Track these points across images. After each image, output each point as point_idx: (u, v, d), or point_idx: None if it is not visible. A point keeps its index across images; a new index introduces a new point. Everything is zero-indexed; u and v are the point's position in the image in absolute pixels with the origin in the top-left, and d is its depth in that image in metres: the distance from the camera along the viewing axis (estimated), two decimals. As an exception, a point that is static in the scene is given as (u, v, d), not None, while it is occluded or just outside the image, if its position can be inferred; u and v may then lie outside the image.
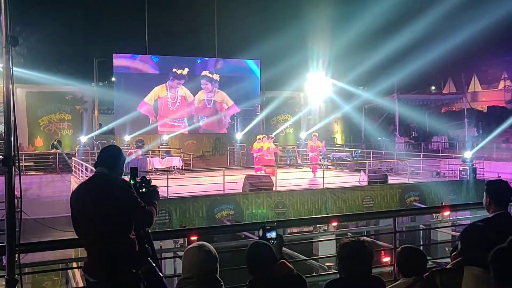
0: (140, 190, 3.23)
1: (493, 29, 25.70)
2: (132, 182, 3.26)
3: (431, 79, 41.50)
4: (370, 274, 2.76)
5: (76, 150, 20.24)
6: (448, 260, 3.26)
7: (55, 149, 20.98)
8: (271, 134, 18.74)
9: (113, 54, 22.01)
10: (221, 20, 24.91)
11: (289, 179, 14.29)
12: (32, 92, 22.47)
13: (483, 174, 16.00)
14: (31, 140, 22.02)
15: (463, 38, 25.20)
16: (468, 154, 16.39)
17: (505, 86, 37.46)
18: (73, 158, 18.69)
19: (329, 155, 20.72)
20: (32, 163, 19.82)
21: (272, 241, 3.00)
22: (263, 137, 16.89)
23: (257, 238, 3.13)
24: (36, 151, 21.50)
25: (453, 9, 24.76)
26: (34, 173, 19.24)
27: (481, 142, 23.79)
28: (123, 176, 3.31)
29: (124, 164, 3.41)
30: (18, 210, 2.98)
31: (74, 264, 6.80)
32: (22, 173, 17.72)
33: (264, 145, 16.38)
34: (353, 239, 2.92)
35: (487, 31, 24.95)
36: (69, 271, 7.69)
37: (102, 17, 30.71)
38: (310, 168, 17.89)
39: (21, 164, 19.29)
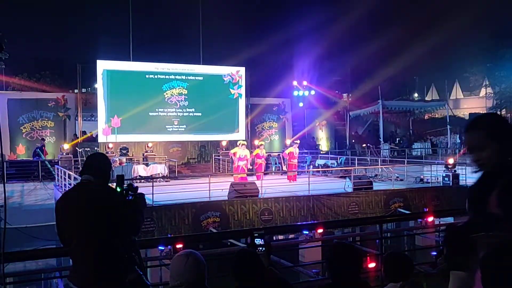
0: (127, 198, 3.21)
1: (475, 37, 26.22)
2: (118, 189, 3.23)
3: (414, 86, 42.10)
4: (359, 277, 2.77)
5: (58, 158, 19.98)
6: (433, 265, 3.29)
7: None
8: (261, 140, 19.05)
9: (97, 60, 21.84)
10: (206, 27, 24.98)
11: (275, 186, 14.33)
12: (13, 99, 22.16)
13: (465, 180, 16.22)
14: (12, 147, 21.67)
15: (445, 46, 25.64)
16: (451, 160, 16.61)
17: (486, 93, 38.16)
18: (55, 166, 18.44)
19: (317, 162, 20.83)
20: (14, 171, 19.48)
21: (261, 248, 3.00)
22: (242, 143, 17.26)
23: (243, 245, 3.13)
24: (18, 159, 21.17)
25: (435, 17, 25.19)
26: (15, 181, 18.90)
27: (463, 148, 24.15)
28: (109, 184, 3.28)
29: (110, 172, 3.38)
30: (1, 219, 2.93)
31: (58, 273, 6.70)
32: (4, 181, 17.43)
33: (255, 151, 16.77)
34: (343, 241, 2.95)
35: (469, 38, 25.43)
36: (53, 280, 7.57)
37: (85, 23, 30.52)
38: (289, 177, 17.88)
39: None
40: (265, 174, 17.52)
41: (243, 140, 17.82)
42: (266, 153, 19.02)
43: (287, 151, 18.65)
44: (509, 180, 2.06)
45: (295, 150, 18.38)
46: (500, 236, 1.99)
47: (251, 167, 17.68)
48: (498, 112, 33.68)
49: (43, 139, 21.88)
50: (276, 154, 22.87)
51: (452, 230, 2.28)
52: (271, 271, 2.88)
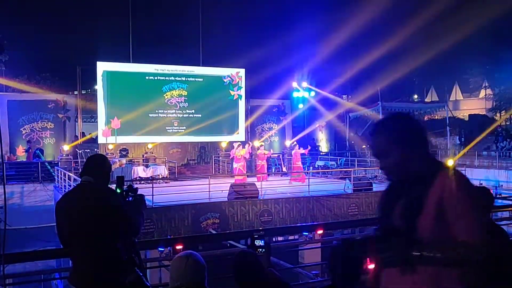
0: (127, 199, 3.21)
1: (474, 38, 26.25)
2: (118, 191, 3.24)
3: (414, 88, 42.14)
4: (359, 278, 2.77)
5: (58, 159, 19.97)
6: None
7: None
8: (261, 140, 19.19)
9: (97, 61, 21.85)
10: (206, 28, 25.00)
11: (275, 187, 14.33)
12: (13, 100, 22.16)
13: (465, 181, 16.19)
14: (12, 149, 21.66)
15: (445, 47, 25.66)
16: (450, 162, 16.61)
17: (486, 95, 38.18)
18: (55, 167, 18.44)
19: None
20: (13, 172, 19.48)
21: (261, 250, 3.00)
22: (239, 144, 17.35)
23: (243, 246, 3.14)
24: (18, 160, 21.16)
25: (435, 19, 25.22)
26: (15, 182, 18.90)
27: (463, 149, 24.18)
28: (109, 185, 3.29)
29: (110, 173, 3.39)
30: (1, 220, 2.93)
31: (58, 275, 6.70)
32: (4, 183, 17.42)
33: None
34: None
35: (469, 40, 25.46)
36: (53, 281, 7.56)
37: (85, 24, 30.53)
38: (298, 178, 17.83)
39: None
40: (268, 175, 17.61)
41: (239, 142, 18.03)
42: (267, 153, 19.01)
43: (295, 151, 18.69)
44: (415, 190, 1.88)
45: (299, 151, 18.50)
46: (397, 252, 1.81)
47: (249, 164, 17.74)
48: (498, 114, 33.76)
49: (29, 141, 21.62)
50: (276, 155, 22.88)
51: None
52: (271, 272, 2.88)
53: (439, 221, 1.80)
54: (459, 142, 28.48)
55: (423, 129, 1.99)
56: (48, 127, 22.71)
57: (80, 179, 3.30)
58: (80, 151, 20.51)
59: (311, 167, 21.30)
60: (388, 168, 1.96)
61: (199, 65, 24.01)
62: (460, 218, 1.78)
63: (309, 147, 20.49)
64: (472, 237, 1.75)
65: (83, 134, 23.17)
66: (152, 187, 12.52)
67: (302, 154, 18.94)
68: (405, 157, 1.91)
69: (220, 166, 22.09)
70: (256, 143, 20.75)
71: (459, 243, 1.76)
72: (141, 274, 3.16)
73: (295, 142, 19.59)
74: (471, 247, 1.74)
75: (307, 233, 10.23)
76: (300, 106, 28.28)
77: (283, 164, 22.25)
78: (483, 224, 1.81)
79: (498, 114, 33.91)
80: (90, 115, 24.05)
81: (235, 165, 16.95)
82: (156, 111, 22.46)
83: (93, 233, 3.02)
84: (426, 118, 34.66)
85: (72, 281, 3.10)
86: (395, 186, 2.01)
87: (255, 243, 3.05)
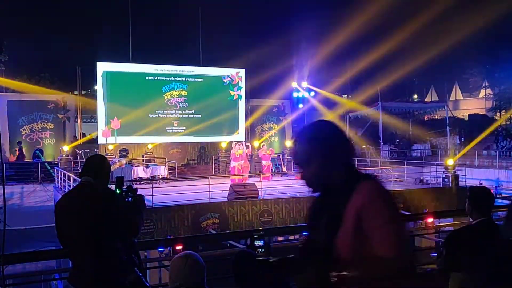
0: (126, 199, 3.21)
1: (474, 38, 26.26)
2: (118, 191, 3.24)
3: (414, 88, 42.16)
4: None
5: (58, 160, 19.97)
6: (433, 266, 3.30)
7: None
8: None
9: (96, 62, 21.85)
10: (205, 28, 25.01)
11: (275, 187, 14.33)
12: (13, 100, 22.15)
13: (465, 181, 16.21)
14: (12, 149, 21.66)
15: (444, 47, 25.67)
16: (450, 162, 16.61)
17: (485, 95, 38.19)
18: (55, 167, 18.44)
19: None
20: (13, 173, 19.48)
21: (260, 250, 3.00)
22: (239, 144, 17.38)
23: (243, 247, 3.13)
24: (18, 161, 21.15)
25: (435, 19, 25.22)
26: (15, 183, 18.90)
27: (463, 149, 24.18)
28: (108, 186, 3.28)
29: (110, 173, 3.39)
30: (1, 220, 2.93)
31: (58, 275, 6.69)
32: (4, 183, 17.41)
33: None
34: None
35: (468, 40, 25.46)
36: (53, 281, 7.56)
37: (85, 25, 30.54)
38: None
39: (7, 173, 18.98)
40: (273, 175, 17.64)
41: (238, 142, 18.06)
42: (270, 152, 18.96)
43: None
44: (335, 203, 1.76)
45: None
46: (314, 272, 1.68)
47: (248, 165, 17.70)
48: (498, 114, 33.77)
49: (19, 142, 21.44)
50: (276, 155, 22.87)
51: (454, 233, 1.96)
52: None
53: (358, 236, 1.67)
54: (459, 142, 28.48)
55: (345, 138, 1.86)
56: (48, 128, 22.70)
57: (79, 180, 3.30)
58: (80, 152, 20.52)
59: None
60: (308, 178, 1.84)
61: (199, 65, 24.03)
62: (376, 232, 1.65)
63: None
64: (387, 252, 1.62)
65: (83, 135, 23.18)
66: (152, 188, 12.51)
67: None
68: (325, 167, 1.78)
69: (220, 166, 22.09)
70: (256, 143, 20.75)
71: (375, 259, 1.63)
72: (140, 274, 3.16)
73: None
74: (384, 263, 1.61)
75: (307, 233, 10.22)
76: (300, 106, 28.27)
77: (283, 164, 22.25)
78: (400, 238, 1.66)
79: (498, 114, 33.93)
80: (90, 116, 24.05)
81: (233, 163, 16.92)
82: (156, 111, 22.46)
83: (92, 233, 3.02)
84: (426, 118, 34.69)
85: (72, 281, 3.10)
86: (321, 197, 1.89)
87: (255, 243, 3.05)
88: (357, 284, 1.63)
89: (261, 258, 2.01)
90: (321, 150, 1.78)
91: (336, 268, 1.65)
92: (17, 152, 20.73)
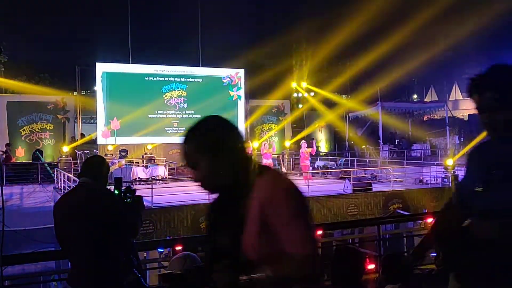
0: (125, 200, 3.21)
1: (473, 38, 26.28)
2: (116, 192, 3.23)
3: (413, 88, 42.18)
4: (359, 281, 2.78)
5: (58, 160, 19.95)
6: (432, 266, 3.29)
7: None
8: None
9: (96, 62, 21.85)
10: (205, 29, 25.01)
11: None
12: (13, 101, 22.13)
13: (465, 181, 16.20)
14: (12, 150, 21.64)
15: (444, 47, 25.68)
16: (450, 162, 16.62)
17: (485, 95, 38.13)
18: (55, 168, 18.43)
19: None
20: (13, 174, 19.46)
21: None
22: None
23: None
24: (17, 161, 21.14)
25: (434, 18, 25.23)
26: (14, 183, 18.88)
27: (463, 149, 24.17)
28: (107, 186, 3.28)
29: (109, 174, 3.38)
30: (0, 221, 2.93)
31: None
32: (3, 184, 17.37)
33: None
34: (349, 245, 2.99)
35: (468, 39, 25.48)
36: (53, 282, 7.56)
37: (84, 25, 30.53)
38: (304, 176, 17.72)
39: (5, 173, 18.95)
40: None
41: None
42: (271, 149, 18.92)
43: (306, 151, 18.54)
44: (235, 203, 1.65)
45: (306, 150, 18.30)
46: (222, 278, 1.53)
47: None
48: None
49: (8, 144, 21.10)
50: (276, 155, 22.86)
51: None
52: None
53: (264, 234, 1.56)
54: (458, 142, 28.47)
55: (234, 131, 1.75)
56: (48, 128, 22.69)
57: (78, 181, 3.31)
58: (80, 152, 20.50)
59: (310, 167, 21.29)
60: (201, 179, 1.72)
61: (199, 66, 24.03)
62: (283, 228, 1.54)
63: (314, 147, 20.36)
64: (297, 248, 1.52)
65: (83, 135, 23.17)
66: (152, 188, 12.51)
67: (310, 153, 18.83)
68: (216, 164, 1.67)
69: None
70: (256, 144, 20.75)
71: (285, 257, 1.53)
72: (139, 275, 3.15)
73: (303, 141, 19.48)
74: (295, 260, 1.51)
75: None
76: (300, 106, 28.27)
77: (283, 164, 22.25)
78: (309, 233, 1.57)
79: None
80: (90, 116, 24.04)
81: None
82: (156, 112, 22.47)
83: (90, 234, 3.02)
84: (425, 118, 34.68)
85: (71, 282, 3.10)
86: (220, 198, 1.79)
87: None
88: (270, 285, 1.53)
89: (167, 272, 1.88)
90: (209, 146, 1.67)
91: (245, 271, 1.54)
92: (4, 155, 20.39)
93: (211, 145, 1.67)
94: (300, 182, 17.14)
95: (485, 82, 1.95)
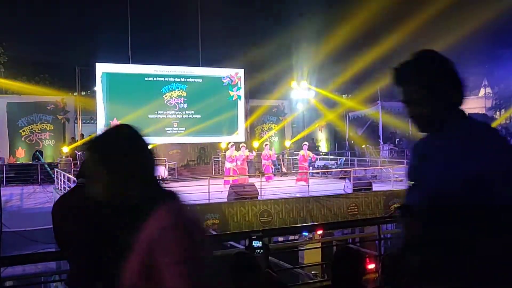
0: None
1: (473, 36, 26.23)
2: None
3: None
4: (359, 281, 2.77)
5: (58, 161, 19.96)
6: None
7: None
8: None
9: (96, 63, 21.86)
10: (204, 29, 24.99)
11: (275, 188, 14.33)
12: (12, 102, 22.15)
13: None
14: (12, 151, 21.66)
15: (444, 46, 25.63)
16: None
17: (485, 94, 38.16)
18: (55, 169, 18.43)
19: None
20: (13, 174, 19.47)
21: (258, 251, 2.99)
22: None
23: (243, 247, 3.12)
24: (18, 162, 21.17)
25: (434, 16, 25.22)
26: (14, 184, 18.89)
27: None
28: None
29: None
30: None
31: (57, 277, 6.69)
32: (2, 184, 17.42)
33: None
34: (350, 245, 2.99)
35: (468, 38, 25.44)
36: (53, 283, 7.56)
37: (84, 25, 30.51)
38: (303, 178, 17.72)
39: (1, 175, 18.97)
40: (272, 175, 17.61)
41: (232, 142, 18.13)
42: (272, 154, 18.91)
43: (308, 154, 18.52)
44: (129, 232, 1.45)
45: (306, 152, 18.37)
46: None
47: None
48: (497, 113, 33.76)
49: None
50: (276, 156, 22.87)
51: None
52: (268, 273, 2.87)
53: (147, 269, 1.40)
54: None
55: (142, 147, 1.58)
56: (48, 129, 22.70)
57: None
58: (80, 153, 20.49)
59: (311, 167, 21.30)
60: (97, 195, 1.51)
61: (198, 66, 24.03)
62: (167, 269, 1.37)
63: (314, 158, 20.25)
64: None
65: (83, 136, 23.17)
66: (152, 188, 12.48)
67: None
68: (113, 183, 1.48)
69: (220, 167, 22.09)
70: (256, 144, 20.75)
71: None
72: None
73: (306, 143, 19.53)
74: None
75: (307, 233, 10.24)
76: (300, 106, 28.27)
77: (283, 164, 22.25)
78: (194, 280, 1.37)
79: (497, 113, 33.92)
80: (90, 117, 24.05)
81: (228, 165, 16.87)
82: (156, 112, 22.48)
83: (87, 235, 3.01)
84: (425, 117, 34.62)
85: (69, 283, 3.09)
86: (114, 218, 1.63)
87: (253, 244, 3.04)
88: None
89: None
90: (108, 162, 1.48)
91: None
92: None
93: (112, 160, 1.48)
94: (299, 183, 17.16)
95: (409, 72, 1.81)
